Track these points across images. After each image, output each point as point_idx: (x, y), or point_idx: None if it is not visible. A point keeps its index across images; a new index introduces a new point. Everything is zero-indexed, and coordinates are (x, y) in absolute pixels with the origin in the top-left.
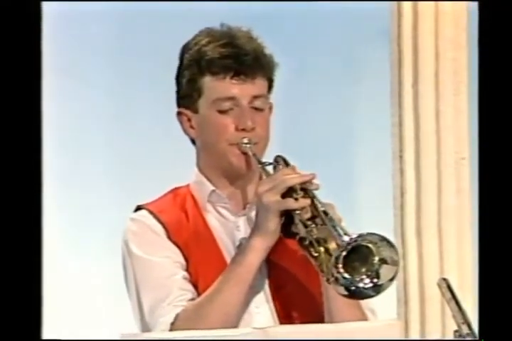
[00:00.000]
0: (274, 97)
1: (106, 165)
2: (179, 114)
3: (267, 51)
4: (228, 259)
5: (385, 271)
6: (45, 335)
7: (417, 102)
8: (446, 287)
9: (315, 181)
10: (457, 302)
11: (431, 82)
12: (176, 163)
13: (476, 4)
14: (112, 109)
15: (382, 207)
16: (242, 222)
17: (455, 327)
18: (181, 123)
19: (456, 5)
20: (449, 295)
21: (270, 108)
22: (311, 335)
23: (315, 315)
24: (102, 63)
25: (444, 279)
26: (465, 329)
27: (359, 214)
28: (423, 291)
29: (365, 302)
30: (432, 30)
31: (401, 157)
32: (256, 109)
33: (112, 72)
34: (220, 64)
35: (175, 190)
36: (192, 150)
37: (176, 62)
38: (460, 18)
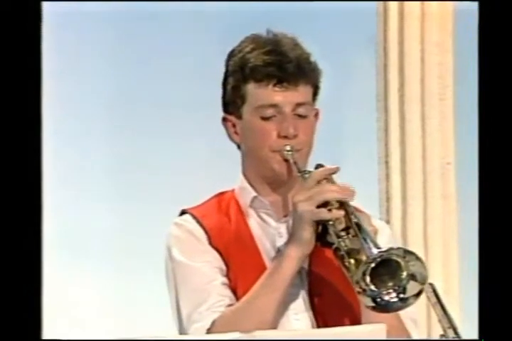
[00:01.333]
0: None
1: (110, 170)
2: (224, 119)
3: (312, 58)
4: (269, 265)
5: (412, 287)
6: (45, 335)
7: (402, 107)
8: (432, 292)
9: (350, 190)
10: (443, 307)
11: (417, 86)
12: (222, 168)
13: (466, 7)
14: (113, 109)
15: (368, 212)
16: (283, 228)
17: (441, 332)
18: (226, 128)
19: (443, 9)
20: (434, 299)
21: (316, 115)
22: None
23: (353, 322)
24: (102, 63)
25: (430, 284)
26: (451, 334)
27: None
28: None
29: (406, 312)
30: (418, 35)
31: (387, 162)
32: (299, 116)
33: (112, 72)
34: (263, 71)
35: (220, 195)
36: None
37: (177, 62)
38: (446, 22)
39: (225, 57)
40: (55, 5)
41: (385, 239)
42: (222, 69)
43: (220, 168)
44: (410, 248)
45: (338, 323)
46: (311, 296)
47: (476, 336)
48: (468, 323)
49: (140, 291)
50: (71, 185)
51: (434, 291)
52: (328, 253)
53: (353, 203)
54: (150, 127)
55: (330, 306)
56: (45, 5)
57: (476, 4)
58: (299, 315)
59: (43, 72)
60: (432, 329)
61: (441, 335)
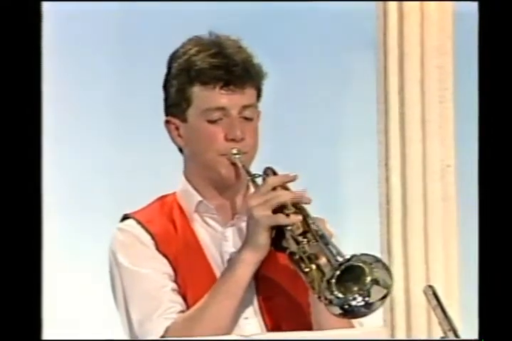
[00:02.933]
0: (259, 106)
1: (99, 171)
2: (167, 122)
3: (256, 61)
4: (216, 270)
5: (376, 292)
6: (45, 335)
7: (402, 109)
8: (432, 294)
9: (306, 195)
10: (443, 310)
11: (416, 89)
12: (162, 171)
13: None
14: (113, 109)
15: (368, 215)
16: (230, 232)
17: (441, 334)
18: (169, 131)
19: (442, 12)
20: (434, 302)
21: (258, 116)
22: None
23: (303, 325)
24: (102, 63)
25: (430, 286)
26: (451, 336)
27: (344, 222)
28: (409, 298)
29: None
30: (418, 38)
31: (386, 165)
32: (245, 118)
33: (112, 72)
34: (209, 74)
35: (162, 198)
36: (177, 157)
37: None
38: (446, 25)
39: None
40: (55, 5)
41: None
42: None
43: (160, 171)
44: (410, 250)
45: (288, 325)
46: (261, 299)
47: (476, 337)
48: (468, 325)
49: None
50: (71, 185)
51: (435, 294)
52: (277, 256)
53: (352, 204)
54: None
55: (280, 309)
56: (45, 5)
57: (475, 7)
58: (249, 319)
59: (43, 72)
60: (433, 332)
61: (442, 338)
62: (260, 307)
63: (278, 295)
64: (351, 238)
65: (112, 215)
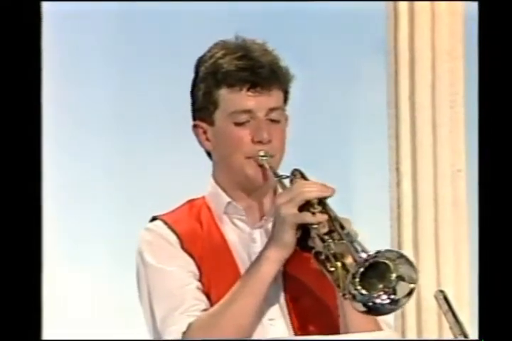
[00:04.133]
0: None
1: (109, 174)
2: (195, 126)
3: (283, 63)
4: (242, 270)
5: (402, 288)
6: (45, 335)
7: (413, 114)
8: (443, 299)
9: (329, 188)
10: (454, 314)
11: (427, 93)
12: (189, 175)
13: (474, 11)
14: (113, 109)
15: (379, 219)
16: (257, 233)
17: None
18: (197, 135)
19: (453, 16)
20: (445, 307)
21: (286, 119)
22: None
23: (331, 327)
24: (102, 63)
25: (441, 291)
26: None
27: (355, 225)
28: (420, 303)
29: (380, 317)
30: (429, 42)
31: (397, 169)
32: (272, 121)
33: (112, 72)
34: (236, 76)
35: (190, 202)
36: (204, 162)
37: (177, 63)
38: (456, 29)
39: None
40: (55, 5)
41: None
42: None
43: (189, 175)
44: (421, 255)
45: (316, 327)
46: (288, 301)
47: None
48: (473, 331)
49: None
50: (71, 186)
51: (446, 298)
52: (304, 257)
53: (363, 208)
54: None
55: (307, 311)
56: (45, 5)
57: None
58: (274, 320)
59: (43, 72)
60: (444, 336)
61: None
62: (288, 309)
63: (306, 296)
64: (362, 241)
65: (111, 215)
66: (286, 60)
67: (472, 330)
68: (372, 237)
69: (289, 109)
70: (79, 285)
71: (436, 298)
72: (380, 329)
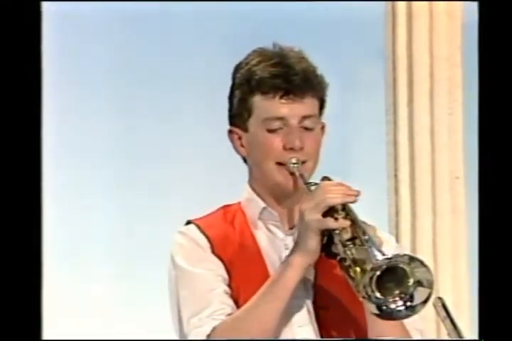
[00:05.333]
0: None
1: (107, 177)
2: (230, 132)
3: (318, 71)
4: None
5: (419, 294)
6: (45, 335)
7: (411, 121)
8: (442, 306)
9: (354, 193)
10: (452, 321)
11: (426, 100)
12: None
13: (472, 19)
14: (113, 109)
15: (377, 226)
16: (290, 240)
17: None
18: (232, 141)
19: (451, 23)
20: (444, 313)
21: (322, 128)
22: None
23: (359, 336)
24: (102, 63)
25: (440, 298)
26: None
27: None
28: None
29: (411, 323)
30: (427, 49)
31: (396, 176)
32: (306, 128)
33: (112, 72)
34: (269, 83)
35: (225, 207)
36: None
37: (177, 63)
38: (455, 36)
39: (229, 58)
40: (55, 5)
41: (391, 250)
42: (229, 71)
43: (226, 181)
44: None
45: (343, 336)
46: (316, 309)
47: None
48: (473, 331)
49: (141, 291)
50: (72, 186)
51: (444, 305)
52: (334, 265)
53: (361, 215)
54: (152, 129)
55: (335, 320)
56: (45, 5)
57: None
58: (303, 327)
59: (43, 72)
60: None
61: None
62: (316, 317)
63: (334, 305)
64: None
65: (111, 216)
66: None
67: (471, 337)
68: None
69: None
70: (79, 284)
71: (434, 305)
72: (409, 336)
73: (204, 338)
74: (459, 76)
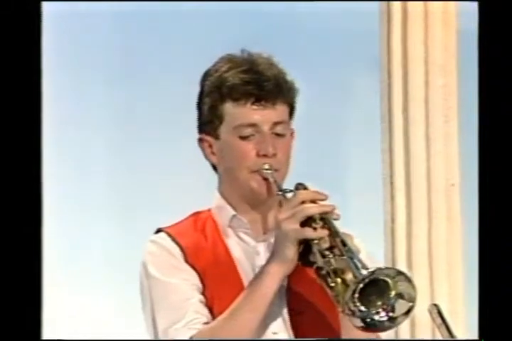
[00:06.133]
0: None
1: (110, 185)
2: (200, 140)
3: (288, 77)
4: (246, 284)
5: (400, 306)
6: (45, 335)
7: (407, 128)
8: (437, 313)
9: (336, 211)
10: (448, 328)
11: (421, 108)
12: (194, 188)
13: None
14: (112, 109)
15: (373, 233)
16: (262, 247)
17: None
18: (203, 149)
19: (446, 31)
20: (439, 320)
21: (292, 134)
22: None
23: None
24: (102, 63)
25: (435, 305)
26: None
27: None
28: (414, 317)
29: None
30: (422, 57)
31: (391, 183)
32: (277, 134)
33: (112, 72)
34: (241, 90)
35: (196, 214)
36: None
37: (178, 63)
38: (450, 43)
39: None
40: (55, 5)
41: (363, 257)
42: None
43: (195, 188)
44: (415, 269)
45: None
46: (291, 315)
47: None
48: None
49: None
50: (72, 190)
51: (439, 312)
52: (308, 272)
53: (356, 222)
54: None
55: (310, 325)
56: (45, 5)
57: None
58: (278, 334)
59: (43, 72)
60: None
61: None
62: (291, 322)
63: (309, 310)
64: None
65: (111, 216)
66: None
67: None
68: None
69: None
70: (79, 285)
71: (430, 311)
72: None
73: None
74: (454, 83)
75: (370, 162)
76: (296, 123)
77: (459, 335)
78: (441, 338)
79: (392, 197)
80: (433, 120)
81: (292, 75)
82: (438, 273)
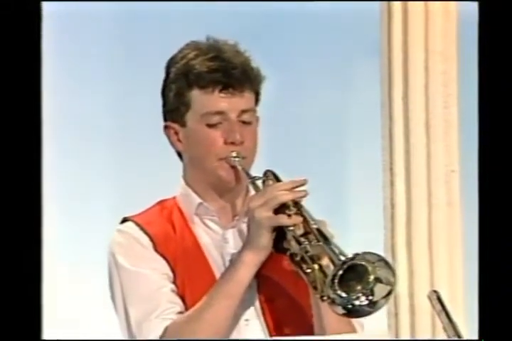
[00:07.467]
0: (263, 111)
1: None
2: (166, 127)
3: (254, 64)
4: (216, 271)
5: (379, 289)
6: (45, 335)
7: (407, 115)
8: (437, 299)
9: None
10: (448, 315)
11: (421, 94)
12: (160, 176)
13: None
14: (112, 109)
15: (373, 219)
16: (230, 234)
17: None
18: (168, 136)
19: (446, 17)
20: (439, 307)
21: (257, 121)
22: None
23: (305, 328)
24: (102, 63)
25: (435, 291)
26: None
27: (349, 226)
28: (413, 303)
29: None
30: (422, 43)
31: (391, 169)
32: (244, 122)
33: (112, 72)
34: (208, 78)
35: (161, 202)
36: (174, 162)
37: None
38: (450, 30)
39: None
40: (55, 5)
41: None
42: None
43: (159, 176)
44: (415, 255)
45: (291, 328)
46: (262, 302)
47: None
48: (473, 331)
49: None
50: (71, 186)
51: (439, 299)
52: (278, 258)
53: (356, 209)
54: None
55: (282, 311)
56: (45, 5)
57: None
58: (250, 321)
59: (43, 72)
60: (437, 337)
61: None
62: (262, 309)
63: (280, 297)
64: (355, 241)
65: (111, 216)
66: (280, 61)
67: (466, 331)
68: (365, 237)
69: (284, 110)
70: (79, 285)
71: (429, 298)
72: (353, 328)
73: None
74: (454, 70)
75: (369, 148)
76: (297, 110)
77: (458, 322)
78: (440, 325)
79: (392, 183)
80: (433, 106)
81: (263, 64)
82: (438, 258)
